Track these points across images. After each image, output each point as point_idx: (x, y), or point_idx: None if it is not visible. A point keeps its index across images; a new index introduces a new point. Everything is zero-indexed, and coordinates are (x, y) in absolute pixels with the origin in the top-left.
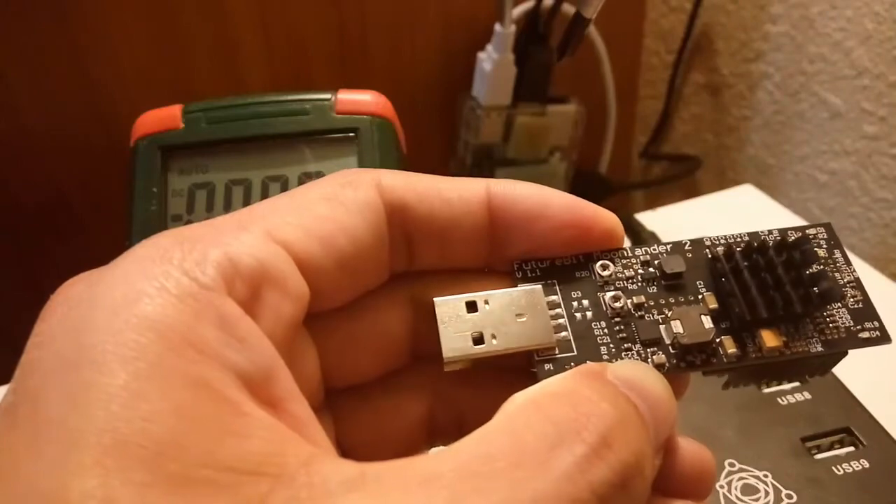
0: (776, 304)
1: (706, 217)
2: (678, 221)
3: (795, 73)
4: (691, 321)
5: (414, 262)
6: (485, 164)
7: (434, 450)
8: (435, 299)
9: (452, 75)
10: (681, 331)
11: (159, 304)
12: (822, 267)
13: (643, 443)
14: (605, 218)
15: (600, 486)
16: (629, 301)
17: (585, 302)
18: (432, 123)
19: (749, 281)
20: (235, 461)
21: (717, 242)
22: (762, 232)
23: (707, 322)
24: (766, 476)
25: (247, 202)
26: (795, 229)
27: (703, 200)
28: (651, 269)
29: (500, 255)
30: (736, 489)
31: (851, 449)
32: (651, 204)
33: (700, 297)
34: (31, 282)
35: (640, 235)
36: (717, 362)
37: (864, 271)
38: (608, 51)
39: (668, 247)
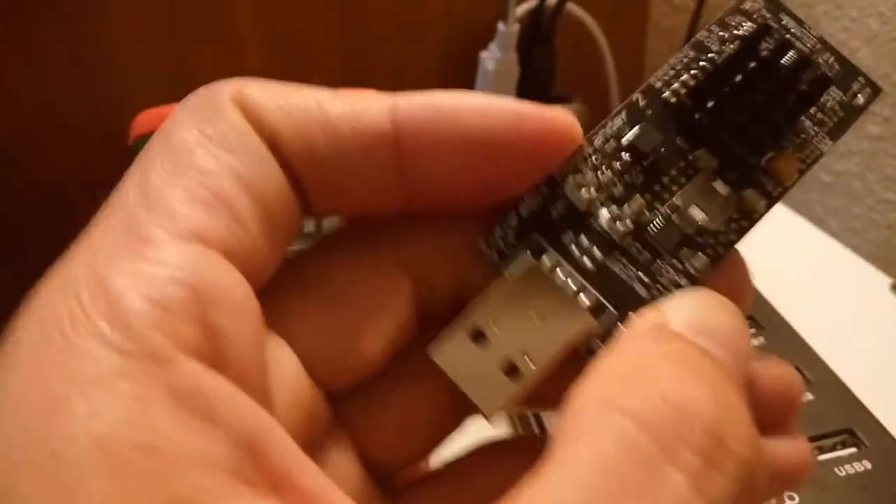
0: (779, 126)
1: None
2: None
3: None
4: (707, 199)
5: (311, 207)
6: None
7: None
8: (433, 355)
9: (455, 74)
10: (704, 216)
11: (87, 408)
12: (792, 53)
13: (746, 413)
14: (556, 120)
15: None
16: (628, 210)
17: (584, 240)
18: None
19: (732, 112)
20: None
21: (668, 78)
22: (703, 38)
23: (723, 188)
24: None
25: None
26: (731, 12)
27: None
28: (626, 156)
29: (419, 190)
30: None
31: (854, 450)
32: None
33: (693, 160)
34: (30, 283)
35: None
36: (749, 223)
37: (868, 272)
38: (611, 50)
39: (624, 115)
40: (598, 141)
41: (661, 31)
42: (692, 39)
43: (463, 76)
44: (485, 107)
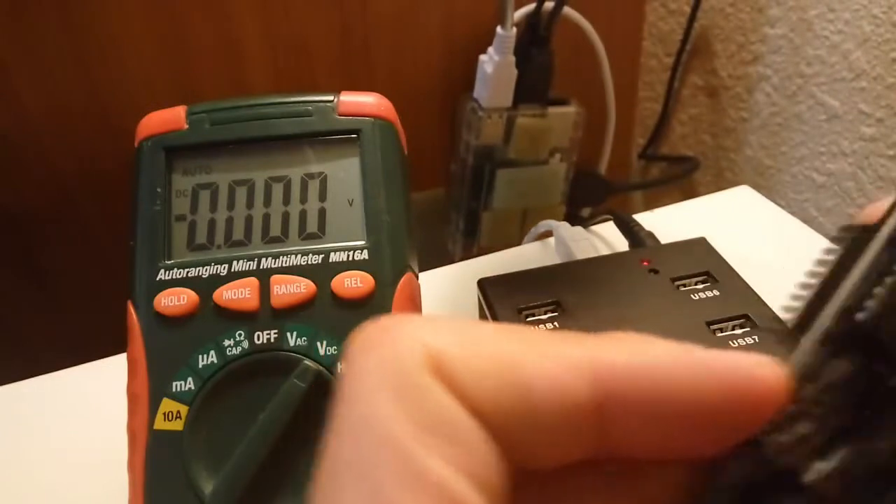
0: None
1: (703, 218)
2: (676, 222)
3: (793, 76)
4: None
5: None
6: (486, 165)
7: None
8: None
9: (454, 77)
10: None
11: None
12: None
13: None
14: (769, 382)
15: None
16: (838, 463)
17: None
18: (434, 125)
19: None
20: None
21: (862, 293)
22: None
23: None
24: None
25: (250, 202)
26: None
27: (700, 201)
28: (829, 398)
29: (612, 447)
30: None
31: None
32: (650, 205)
33: None
34: (35, 282)
35: (638, 235)
36: None
37: None
38: (608, 53)
39: (819, 347)
40: (808, 388)
41: (657, 35)
42: (888, 237)
43: (462, 79)
44: (696, 377)
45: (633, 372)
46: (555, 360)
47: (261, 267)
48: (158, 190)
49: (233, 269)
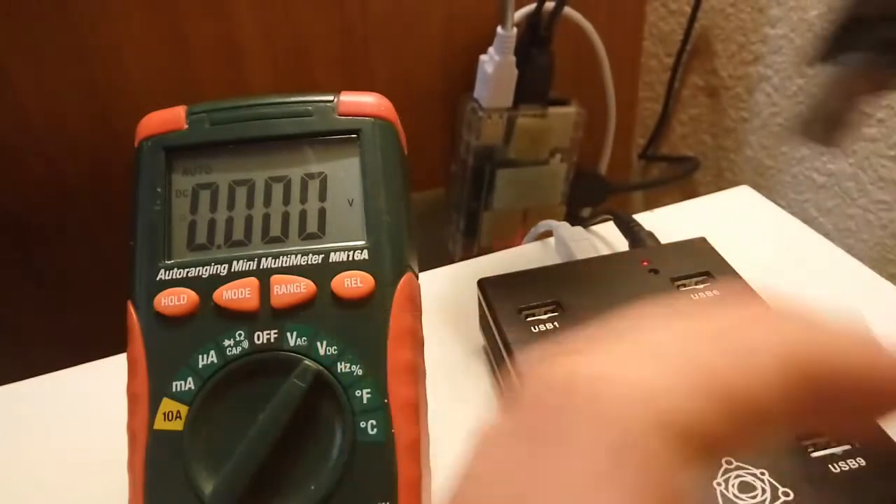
0: None
1: (703, 218)
2: (676, 222)
3: (794, 76)
4: None
5: None
6: (486, 165)
7: None
8: None
9: (454, 77)
10: None
11: None
12: None
13: None
14: None
15: None
16: None
17: None
18: (434, 125)
19: None
20: None
21: None
22: None
23: None
24: (762, 474)
25: (250, 202)
26: None
27: (700, 202)
28: None
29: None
30: (733, 486)
31: (848, 447)
32: (650, 205)
33: None
34: (35, 282)
35: (638, 235)
36: None
37: (862, 273)
38: (608, 53)
39: None
40: None
41: (657, 35)
42: None
43: (462, 79)
44: (877, 374)
45: (839, 370)
46: (776, 374)
47: (261, 267)
48: (158, 190)
49: (233, 269)
